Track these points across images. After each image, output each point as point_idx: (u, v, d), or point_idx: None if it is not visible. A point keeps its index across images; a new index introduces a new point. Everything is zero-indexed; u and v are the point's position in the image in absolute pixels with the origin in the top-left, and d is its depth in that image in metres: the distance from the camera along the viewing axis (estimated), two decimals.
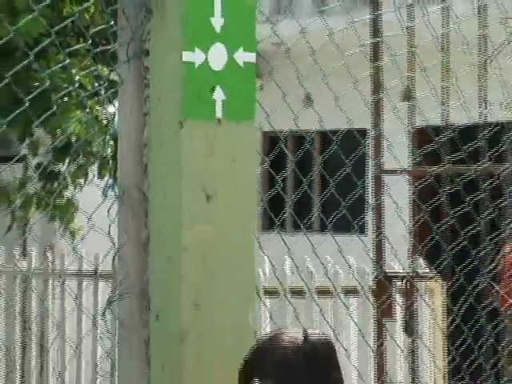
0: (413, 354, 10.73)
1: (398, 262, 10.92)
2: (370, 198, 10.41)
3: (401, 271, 11.00)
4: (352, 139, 10.46)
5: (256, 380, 5.07)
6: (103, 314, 11.58)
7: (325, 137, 11.21)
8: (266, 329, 11.45)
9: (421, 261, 11.27)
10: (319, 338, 5.40)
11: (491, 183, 10.33)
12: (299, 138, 12.17)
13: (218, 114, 6.53)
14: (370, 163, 10.33)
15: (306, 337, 5.18)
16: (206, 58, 6.48)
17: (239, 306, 6.77)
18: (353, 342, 11.97)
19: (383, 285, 10.85)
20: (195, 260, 6.54)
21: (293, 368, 5.02)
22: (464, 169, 10.37)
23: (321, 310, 11.70)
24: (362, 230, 10.71)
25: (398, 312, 10.95)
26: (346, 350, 11.66)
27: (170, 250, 6.57)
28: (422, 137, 10.46)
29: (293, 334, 5.39)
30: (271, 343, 5.34)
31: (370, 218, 10.55)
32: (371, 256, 10.69)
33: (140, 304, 6.65)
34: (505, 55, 9.68)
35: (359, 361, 12.14)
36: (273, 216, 10.32)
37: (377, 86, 10.03)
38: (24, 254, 13.83)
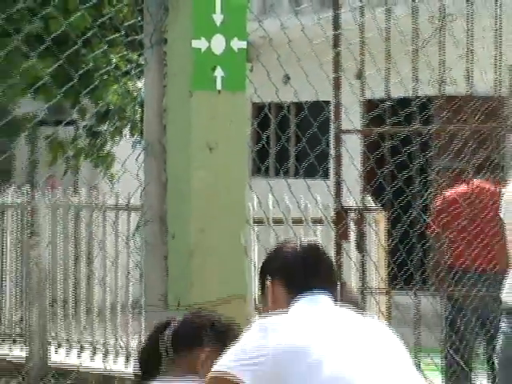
0: (363, 266, 10.74)
1: (352, 199, 10.93)
2: (332, 151, 10.43)
3: (354, 206, 11.01)
4: (319, 108, 10.49)
5: (268, 277, 5.17)
6: (133, 236, 11.61)
7: (299, 106, 11.12)
8: (254, 248, 11.44)
9: (369, 198, 11.27)
10: (312, 243, 5.47)
11: (420, 139, 10.36)
12: (279, 107, 12.12)
13: (218, 86, 6.59)
14: (332, 125, 10.36)
15: (301, 243, 5.29)
16: (209, 45, 6.53)
17: (234, 231, 6.85)
18: None
19: (341, 216, 10.91)
20: (201, 196, 6.63)
21: (294, 263, 5.15)
22: (400, 129, 10.40)
23: (295, 234, 11.72)
24: (325, 175, 10.70)
25: (352, 236, 10.97)
26: None
27: (183, 189, 6.65)
28: (370, 106, 10.48)
29: (293, 243, 5.45)
30: (275, 251, 5.41)
31: (331, 165, 10.56)
32: (332, 194, 10.74)
33: (160, 228, 6.70)
34: (432, 44, 9.70)
35: None
36: (259, 164, 10.25)
37: (337, 67, 10.05)
38: (75, 191, 13.91)
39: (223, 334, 5.38)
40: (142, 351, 5.98)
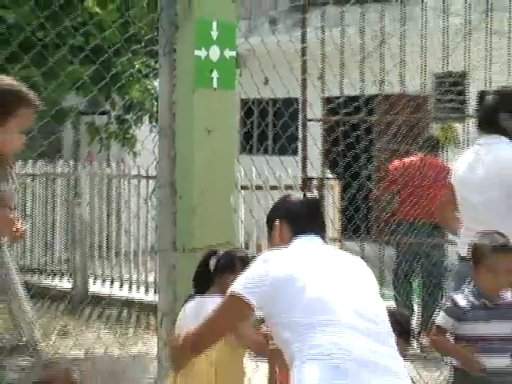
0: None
1: (314, 171, 10.91)
2: (299, 135, 10.45)
3: (316, 176, 10.98)
4: (290, 102, 10.50)
5: (277, 220, 5.18)
6: (150, 197, 11.63)
7: (275, 101, 11.17)
8: (241, 207, 11.44)
9: (327, 170, 11.26)
10: (314, 197, 5.61)
11: (365, 126, 10.40)
12: (260, 102, 12.10)
13: (214, 85, 6.67)
14: (300, 115, 10.38)
15: (305, 195, 5.40)
16: (208, 54, 6.61)
17: (225, 194, 6.94)
18: None
19: (306, 183, 10.88)
20: (201, 167, 6.72)
21: (297, 208, 5.19)
22: (350, 118, 10.41)
23: (272, 198, 11.71)
24: (294, 152, 10.75)
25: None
26: None
27: (187, 162, 6.74)
28: (328, 101, 10.54)
29: (296, 195, 5.53)
30: (283, 200, 5.45)
31: (299, 146, 10.57)
32: (300, 167, 10.75)
33: (170, 191, 6.80)
34: (374, 55, 9.71)
35: None
36: (245, 144, 10.18)
37: (303, 72, 10.07)
38: (108, 164, 14.04)
39: (248, 265, 5.21)
40: (195, 273, 6.07)
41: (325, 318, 4.53)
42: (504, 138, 7.33)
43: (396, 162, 11.19)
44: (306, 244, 5.07)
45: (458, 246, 7.53)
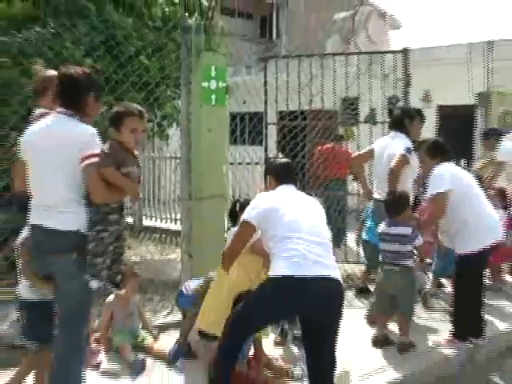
0: None
1: (272, 154, 11.01)
2: (263, 133, 10.62)
3: (272, 157, 11.10)
4: (259, 114, 10.70)
5: (268, 174, 5.32)
6: (176, 168, 11.45)
7: (250, 114, 11.06)
8: (228, 173, 11.43)
9: (279, 153, 11.32)
10: (288, 160, 5.58)
11: (301, 128, 10.49)
12: (243, 115, 12.06)
13: (213, 103, 6.86)
14: (264, 120, 10.54)
15: (283, 159, 5.48)
16: (209, 84, 6.74)
17: (220, 165, 7.09)
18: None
19: (269, 160, 11.07)
20: (206, 151, 6.90)
21: (279, 167, 5.28)
22: (293, 123, 10.57)
23: (248, 170, 11.80)
24: (260, 143, 10.80)
25: None
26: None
27: (198, 148, 6.90)
28: (280, 113, 10.61)
29: (279, 158, 5.72)
30: (271, 162, 5.63)
31: (263, 139, 10.76)
32: (263, 152, 10.90)
33: (187, 165, 6.96)
34: (307, 88, 9.88)
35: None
36: (232, 137, 10.37)
37: (265, 96, 10.19)
38: (152, 150, 13.66)
39: None
40: (229, 212, 6.20)
41: (293, 234, 4.66)
42: (402, 134, 7.54)
43: (319, 148, 11.30)
44: (285, 189, 5.10)
45: (375, 192, 7.62)
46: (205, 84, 6.81)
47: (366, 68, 9.77)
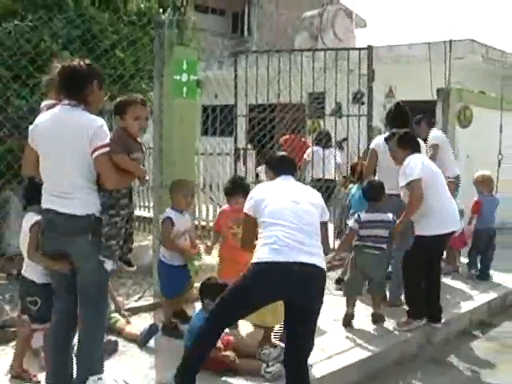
0: (246, 172, 10.96)
1: (241, 145, 11.02)
2: (234, 124, 10.60)
3: (242, 147, 11.14)
4: (229, 107, 10.69)
5: (267, 167, 5.47)
6: (148, 157, 11.19)
7: (222, 106, 11.05)
8: (200, 163, 11.39)
9: (248, 144, 11.35)
10: (284, 154, 5.79)
11: (269, 119, 10.51)
12: (214, 107, 12.07)
13: (184, 95, 6.81)
14: (234, 112, 10.52)
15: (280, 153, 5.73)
16: (181, 77, 6.72)
17: (190, 155, 7.08)
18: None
19: (237, 151, 11.05)
20: (178, 140, 6.87)
21: (277, 161, 5.44)
22: (262, 115, 10.57)
23: (218, 161, 11.80)
24: (231, 134, 10.84)
25: (241, 160, 11.03)
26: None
27: (170, 137, 6.86)
28: (250, 106, 10.60)
29: (277, 153, 5.92)
30: (270, 156, 5.83)
31: (234, 130, 10.75)
32: (233, 143, 10.91)
33: (160, 153, 6.96)
34: (275, 83, 9.92)
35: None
36: (203, 129, 10.30)
37: (236, 90, 10.16)
38: None
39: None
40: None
41: (275, 221, 4.68)
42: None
43: (285, 137, 11.48)
44: (282, 180, 5.15)
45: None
46: (177, 77, 6.79)
47: (333, 64, 9.78)
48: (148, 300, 6.98)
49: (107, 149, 4.27)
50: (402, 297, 7.25)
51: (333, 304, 7.20)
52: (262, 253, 4.63)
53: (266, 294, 4.67)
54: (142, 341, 5.76)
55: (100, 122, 4.31)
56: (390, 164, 7.28)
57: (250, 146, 11.56)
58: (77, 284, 4.44)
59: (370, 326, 6.72)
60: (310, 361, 4.80)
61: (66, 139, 4.26)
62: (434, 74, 11.31)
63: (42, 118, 4.49)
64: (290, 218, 4.72)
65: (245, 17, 26.86)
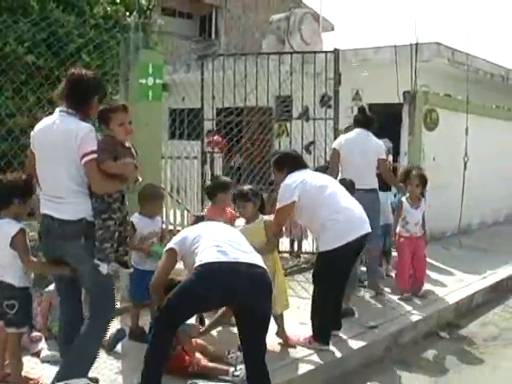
0: (212, 173, 10.86)
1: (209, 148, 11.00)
2: (202, 127, 10.59)
3: (209, 151, 11.10)
4: (197, 110, 10.63)
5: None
6: None
7: (189, 110, 10.92)
8: (167, 166, 11.35)
9: (216, 149, 11.33)
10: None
11: (236, 123, 10.50)
12: (181, 110, 11.95)
13: (150, 98, 6.80)
14: (201, 115, 10.49)
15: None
16: (146, 81, 6.71)
17: (156, 159, 7.08)
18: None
19: (204, 154, 11.00)
20: (143, 145, 6.64)
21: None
22: (229, 119, 10.59)
23: (185, 164, 11.75)
24: (198, 137, 10.77)
25: (208, 162, 11.03)
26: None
27: (135, 142, 6.85)
28: (217, 109, 10.58)
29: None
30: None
31: (201, 133, 10.72)
32: (200, 146, 10.88)
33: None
34: (240, 86, 9.91)
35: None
36: (171, 132, 10.22)
37: (202, 93, 10.14)
38: None
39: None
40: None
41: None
42: (371, 133, 8.08)
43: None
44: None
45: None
46: (142, 80, 6.79)
47: (299, 67, 9.80)
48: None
49: (94, 155, 4.39)
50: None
51: (298, 306, 7.24)
52: (205, 255, 4.63)
53: (215, 294, 4.58)
54: (109, 346, 5.72)
55: (88, 127, 4.44)
56: (363, 159, 7.58)
57: (216, 150, 11.52)
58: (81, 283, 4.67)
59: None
60: (277, 364, 4.82)
61: (57, 144, 4.41)
62: (401, 77, 11.36)
63: (41, 124, 4.65)
64: (225, 241, 4.79)
65: (212, 20, 26.87)
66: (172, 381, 4.97)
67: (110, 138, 4.68)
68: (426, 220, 8.42)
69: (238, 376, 5.15)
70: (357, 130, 8.19)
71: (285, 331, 6.20)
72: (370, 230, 6.21)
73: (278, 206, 6.13)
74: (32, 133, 4.68)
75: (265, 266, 4.69)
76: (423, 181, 8.25)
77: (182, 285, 4.72)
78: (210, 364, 5.39)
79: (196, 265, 4.62)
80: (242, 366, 5.09)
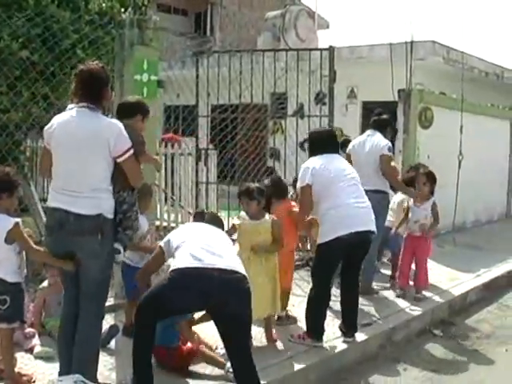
0: (207, 172, 10.90)
1: (203, 145, 10.99)
2: (196, 124, 10.55)
3: (204, 147, 11.09)
4: (191, 107, 10.65)
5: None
6: None
7: (184, 106, 10.87)
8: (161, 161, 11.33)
9: (210, 144, 11.31)
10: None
11: (231, 119, 10.48)
12: (176, 106, 11.90)
13: (145, 95, 6.73)
14: (196, 112, 10.49)
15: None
16: (141, 77, 6.74)
17: (151, 150, 7.04)
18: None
19: (199, 151, 11.02)
20: (147, 129, 6.80)
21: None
22: (223, 115, 10.60)
23: (180, 161, 11.72)
24: (192, 134, 10.78)
25: (203, 159, 11.06)
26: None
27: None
28: (212, 106, 10.60)
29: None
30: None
31: (196, 130, 10.73)
32: (195, 142, 10.90)
33: None
34: (236, 83, 9.91)
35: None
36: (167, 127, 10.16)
37: (197, 90, 10.16)
38: None
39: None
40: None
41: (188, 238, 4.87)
42: (379, 133, 8.24)
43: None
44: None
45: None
46: (137, 77, 6.81)
47: (294, 64, 9.79)
48: (108, 301, 6.81)
49: (132, 151, 4.56)
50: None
51: (293, 304, 7.26)
52: (180, 261, 4.64)
53: (187, 298, 4.57)
54: (102, 342, 5.68)
55: (119, 125, 4.57)
56: (366, 160, 7.84)
57: (211, 147, 11.57)
58: (81, 278, 4.62)
59: (330, 327, 6.68)
60: (272, 361, 4.81)
61: (85, 141, 4.44)
62: (396, 75, 11.37)
63: (59, 119, 4.64)
64: (203, 243, 4.79)
65: (207, 17, 26.85)
66: (172, 380, 4.98)
67: (131, 129, 4.77)
68: (434, 218, 8.29)
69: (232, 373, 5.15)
70: (367, 132, 8.43)
71: (270, 330, 6.19)
72: (372, 228, 6.26)
73: (298, 185, 6.46)
74: (48, 128, 4.67)
75: (243, 271, 4.66)
76: (431, 178, 8.21)
77: (152, 287, 4.80)
78: (209, 352, 5.47)
79: (170, 270, 4.67)
80: None
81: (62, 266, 4.72)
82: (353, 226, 6.07)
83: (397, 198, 8.92)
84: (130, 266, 6.11)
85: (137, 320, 4.71)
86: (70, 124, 4.53)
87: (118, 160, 4.51)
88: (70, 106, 4.91)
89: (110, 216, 4.55)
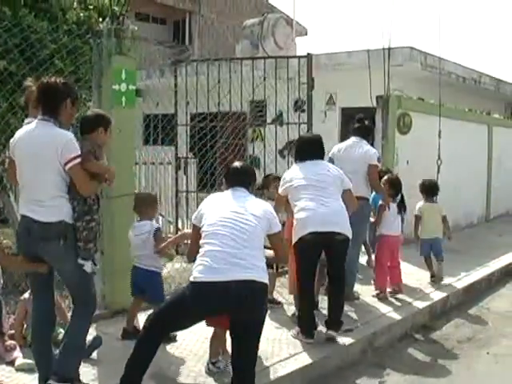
0: (186, 180, 10.83)
1: (182, 154, 11.02)
2: (174, 133, 10.57)
3: (183, 156, 11.09)
4: (170, 116, 10.65)
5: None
6: None
7: (163, 115, 10.82)
8: (141, 170, 11.40)
9: (190, 153, 11.30)
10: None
11: (210, 128, 10.52)
12: (155, 115, 11.83)
13: (123, 104, 6.79)
14: (175, 121, 10.48)
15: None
16: (120, 87, 6.71)
17: (129, 165, 7.05)
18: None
19: (178, 160, 11.02)
20: (116, 151, 6.72)
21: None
22: (202, 124, 10.58)
23: (158, 170, 11.70)
24: (171, 143, 10.79)
25: (182, 168, 10.99)
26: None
27: (108, 150, 6.70)
28: (191, 115, 10.59)
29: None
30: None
31: (175, 139, 10.73)
32: (174, 152, 10.88)
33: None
34: (215, 91, 9.89)
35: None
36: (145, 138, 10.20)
37: (175, 99, 10.15)
38: None
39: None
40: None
41: (215, 230, 4.86)
42: (365, 141, 8.33)
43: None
44: (231, 191, 5.17)
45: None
46: (115, 86, 6.80)
47: (273, 72, 9.84)
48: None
49: (78, 160, 4.65)
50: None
51: (274, 311, 7.27)
52: (199, 271, 4.68)
53: (204, 311, 4.80)
54: (85, 353, 5.68)
55: (69, 135, 4.68)
56: (352, 167, 7.79)
57: (191, 155, 11.56)
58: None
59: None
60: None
61: (38, 152, 4.63)
62: (374, 81, 11.41)
63: (20, 132, 4.86)
64: (227, 230, 4.79)
65: (186, 25, 26.88)
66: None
67: (88, 141, 4.92)
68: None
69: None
70: (352, 138, 8.44)
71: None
72: (337, 230, 6.39)
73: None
74: (12, 140, 4.87)
75: (260, 278, 4.69)
76: (393, 183, 8.59)
77: (174, 298, 4.93)
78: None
79: (191, 278, 4.74)
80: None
81: (35, 268, 4.82)
82: (322, 226, 6.33)
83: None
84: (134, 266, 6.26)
85: (150, 326, 4.80)
86: (28, 136, 4.74)
87: (66, 168, 4.64)
88: (26, 120, 5.12)
89: (72, 221, 4.73)
